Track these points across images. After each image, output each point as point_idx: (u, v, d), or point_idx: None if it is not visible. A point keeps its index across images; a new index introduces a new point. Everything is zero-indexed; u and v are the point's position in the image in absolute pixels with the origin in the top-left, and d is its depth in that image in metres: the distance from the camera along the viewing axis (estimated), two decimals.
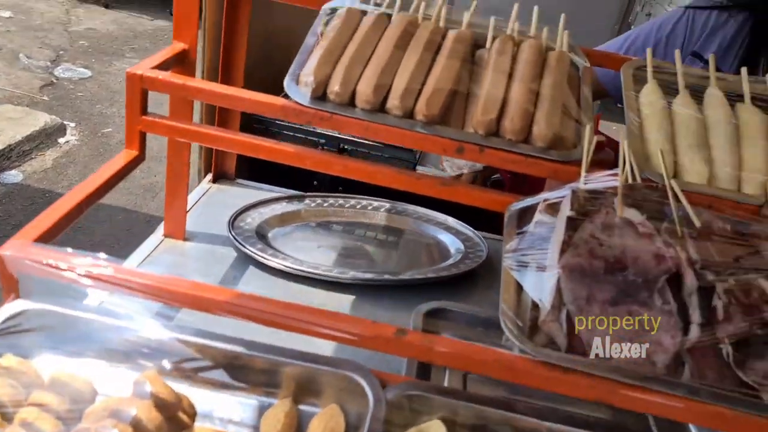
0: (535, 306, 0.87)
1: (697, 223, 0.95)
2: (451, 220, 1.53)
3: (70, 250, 0.77)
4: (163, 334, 0.82)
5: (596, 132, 1.30)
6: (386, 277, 1.27)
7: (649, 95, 1.12)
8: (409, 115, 1.02)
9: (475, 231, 1.50)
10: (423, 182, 1.02)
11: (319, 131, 1.78)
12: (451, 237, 1.49)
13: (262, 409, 0.83)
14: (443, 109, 1.03)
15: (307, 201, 1.52)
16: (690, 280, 0.88)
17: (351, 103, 1.02)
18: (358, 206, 1.56)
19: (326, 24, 1.14)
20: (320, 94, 1.02)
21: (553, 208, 0.96)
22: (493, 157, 1.01)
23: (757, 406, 0.79)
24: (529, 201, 1.01)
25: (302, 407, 0.85)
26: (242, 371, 0.84)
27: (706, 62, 1.46)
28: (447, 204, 1.53)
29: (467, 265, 1.36)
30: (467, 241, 1.47)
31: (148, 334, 0.82)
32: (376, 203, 1.57)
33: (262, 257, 1.24)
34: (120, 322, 0.82)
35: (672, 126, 1.09)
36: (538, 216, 0.96)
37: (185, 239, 1.30)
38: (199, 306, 0.75)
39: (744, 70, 1.18)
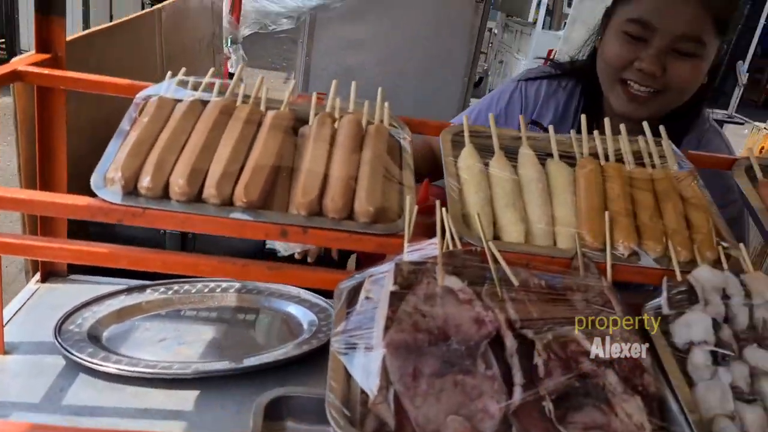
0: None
1: (516, 283, 0.99)
2: (303, 293, 1.51)
3: None
4: None
5: (425, 198, 1.35)
6: (231, 366, 1.22)
7: (466, 159, 1.18)
8: (229, 201, 1.00)
9: (328, 301, 1.48)
10: (250, 269, 1.00)
11: None
12: (303, 310, 1.46)
13: None
14: (264, 193, 1.02)
15: (149, 291, 1.44)
16: (509, 342, 0.91)
17: (166, 195, 0.99)
18: (206, 290, 1.50)
19: (140, 114, 1.11)
20: (132, 189, 0.98)
21: (379, 283, 0.97)
22: (317, 238, 1.00)
23: None
24: (357, 278, 1.01)
25: None
26: None
27: (546, 129, 1.56)
28: None
29: (320, 340, 1.34)
30: (321, 313, 1.45)
31: None
32: (225, 284, 1.52)
33: (91, 363, 1.15)
34: None
35: (490, 188, 1.15)
36: (363, 293, 0.96)
37: (5, 353, 1.18)
38: None
39: (551, 128, 1.27)
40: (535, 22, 7.50)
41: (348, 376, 0.88)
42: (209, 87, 1.18)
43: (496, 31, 9.34)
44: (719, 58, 1.42)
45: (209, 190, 0.99)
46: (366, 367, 0.87)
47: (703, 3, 1.33)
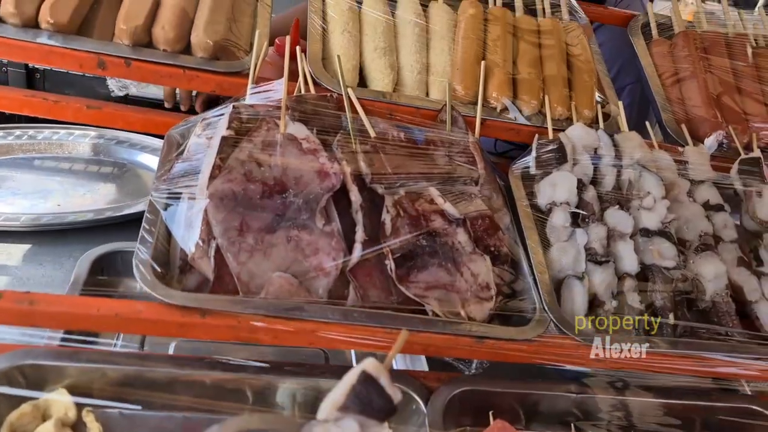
0: None
1: (372, 134, 0.89)
2: None
3: None
4: None
5: (295, 41, 1.19)
6: (70, 218, 1.10)
7: None
8: (34, 23, 0.83)
9: None
10: (64, 106, 0.86)
11: None
12: None
13: None
14: (78, 17, 0.85)
15: None
16: (354, 197, 0.82)
17: None
18: (55, 136, 1.34)
19: None
20: None
21: (212, 127, 0.85)
22: (144, 72, 0.86)
23: (411, 322, 0.76)
24: (192, 122, 0.88)
25: None
26: None
27: None
28: None
29: None
30: None
31: None
32: (78, 132, 1.36)
33: None
34: None
35: (360, 30, 1.02)
36: (193, 138, 0.84)
37: None
38: None
39: None
40: None
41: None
42: None
43: None
44: None
45: (6, 7, 0.81)
46: (188, 218, 0.77)
47: None
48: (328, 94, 0.91)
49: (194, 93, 1.41)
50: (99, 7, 0.88)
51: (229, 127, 0.82)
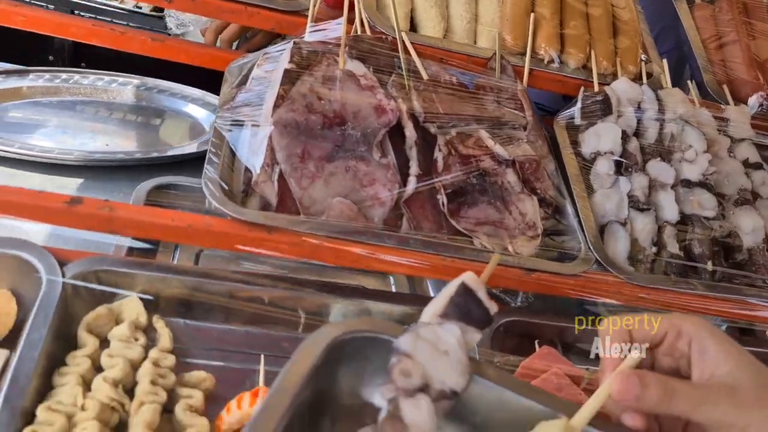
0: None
1: (425, 76, 0.92)
2: (208, 96, 1.39)
3: None
4: None
5: None
6: (120, 156, 1.13)
7: None
8: None
9: None
10: (129, 37, 0.88)
11: None
12: (207, 113, 1.36)
13: None
14: None
15: (32, 77, 1.29)
16: (409, 133, 0.85)
17: None
18: (99, 82, 1.36)
19: None
20: None
21: (273, 61, 0.88)
22: (209, 7, 0.89)
23: (463, 251, 0.79)
24: (251, 57, 0.91)
25: None
26: None
27: None
28: (212, 80, 1.40)
29: None
30: None
31: None
32: (122, 79, 1.38)
33: None
34: None
35: None
36: (255, 71, 0.87)
37: None
38: None
39: None
40: None
41: (233, 155, 0.81)
42: None
43: None
44: None
45: None
46: (251, 144, 0.80)
47: None
48: (383, 36, 0.93)
49: (234, 46, 1.44)
50: None
51: (291, 61, 0.84)
